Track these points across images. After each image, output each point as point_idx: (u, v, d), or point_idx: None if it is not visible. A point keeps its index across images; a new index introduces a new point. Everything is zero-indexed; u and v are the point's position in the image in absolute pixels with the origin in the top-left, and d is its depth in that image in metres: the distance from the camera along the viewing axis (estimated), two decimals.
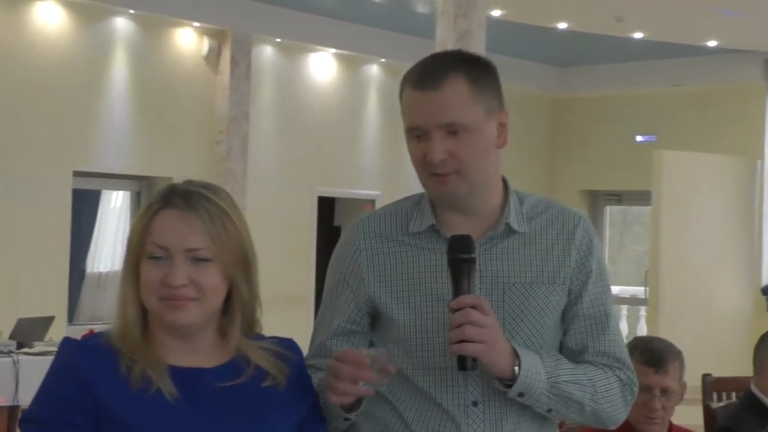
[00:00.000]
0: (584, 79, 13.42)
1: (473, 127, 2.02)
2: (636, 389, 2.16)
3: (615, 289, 13.89)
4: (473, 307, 1.93)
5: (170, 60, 10.22)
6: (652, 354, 3.17)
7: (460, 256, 1.98)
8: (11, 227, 8.98)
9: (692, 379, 4.95)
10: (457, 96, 2.01)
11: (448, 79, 2.02)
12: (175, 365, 1.82)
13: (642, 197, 12.25)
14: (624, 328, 12.98)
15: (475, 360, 1.94)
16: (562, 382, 2.04)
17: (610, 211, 14.22)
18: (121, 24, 9.82)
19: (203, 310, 1.83)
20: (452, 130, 2.01)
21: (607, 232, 14.11)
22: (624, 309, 13.43)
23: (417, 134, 2.04)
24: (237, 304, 1.87)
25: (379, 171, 11.71)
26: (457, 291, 1.96)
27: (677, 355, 3.21)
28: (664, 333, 10.20)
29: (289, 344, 1.98)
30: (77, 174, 9.50)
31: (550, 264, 2.11)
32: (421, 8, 10.34)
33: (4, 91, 8.99)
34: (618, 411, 2.13)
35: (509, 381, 1.99)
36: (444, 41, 7.93)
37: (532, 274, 2.09)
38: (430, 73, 2.04)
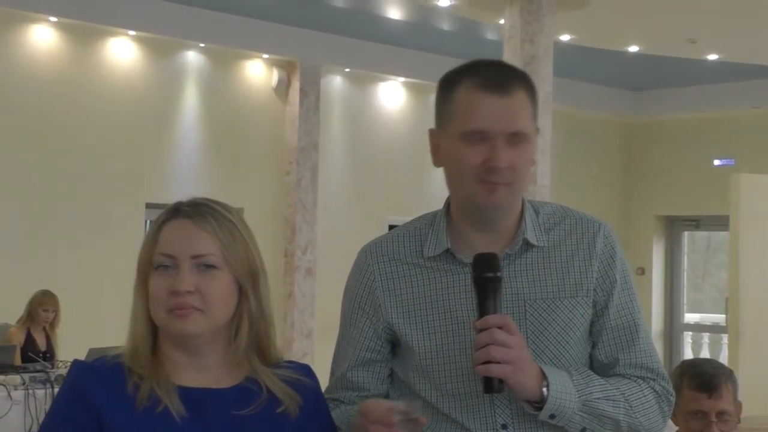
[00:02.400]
0: (659, 103, 13.22)
1: (530, 139, 1.98)
2: (673, 399, 2.08)
3: (696, 317, 13.62)
4: (499, 327, 1.87)
5: (240, 92, 10.35)
6: (704, 378, 3.03)
7: (486, 274, 1.91)
8: (85, 259, 9.15)
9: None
10: (524, 106, 1.97)
11: (515, 87, 1.97)
12: (183, 385, 1.78)
13: (721, 222, 11.96)
14: (706, 355, 12.66)
15: (501, 382, 1.88)
16: (594, 399, 1.96)
17: (693, 237, 13.91)
18: (192, 57, 9.99)
19: (209, 321, 1.78)
20: (514, 140, 1.95)
21: (686, 258, 13.80)
22: (705, 337, 13.12)
23: (477, 138, 1.96)
24: (245, 317, 1.82)
25: None
26: (483, 311, 1.89)
27: (729, 375, 3.07)
28: (744, 361, 9.94)
29: (305, 370, 1.92)
30: (150, 206, 9.65)
31: (572, 276, 2.04)
32: (490, 35, 10.30)
33: (79, 125, 9.20)
34: (656, 423, 2.05)
35: (538, 403, 1.92)
36: None
37: (553, 289, 2.02)
38: (497, 77, 1.98)
